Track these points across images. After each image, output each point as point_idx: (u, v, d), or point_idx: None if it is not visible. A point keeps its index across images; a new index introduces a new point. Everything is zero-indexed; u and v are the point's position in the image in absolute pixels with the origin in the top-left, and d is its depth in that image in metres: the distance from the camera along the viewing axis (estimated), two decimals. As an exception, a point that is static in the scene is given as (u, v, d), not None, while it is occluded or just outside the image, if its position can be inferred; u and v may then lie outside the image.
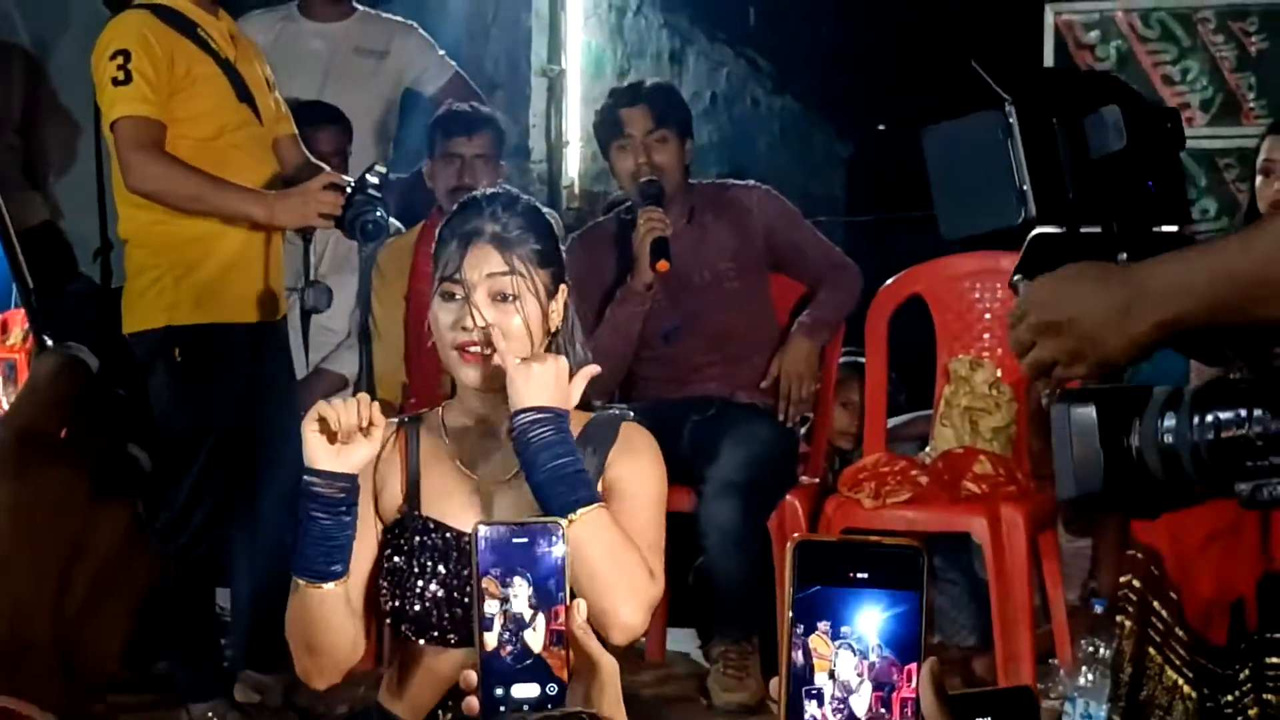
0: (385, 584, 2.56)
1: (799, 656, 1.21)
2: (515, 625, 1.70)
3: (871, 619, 1.22)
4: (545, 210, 2.71)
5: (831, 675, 1.21)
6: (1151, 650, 3.58)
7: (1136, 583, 3.60)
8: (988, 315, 4.45)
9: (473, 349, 2.54)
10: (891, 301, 4.53)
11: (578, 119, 6.12)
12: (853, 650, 1.21)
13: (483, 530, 1.72)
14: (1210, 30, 5.92)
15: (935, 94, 7.26)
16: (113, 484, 0.88)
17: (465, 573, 2.47)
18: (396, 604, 2.55)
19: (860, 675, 1.21)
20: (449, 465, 2.62)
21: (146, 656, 4.33)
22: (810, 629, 1.21)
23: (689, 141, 4.61)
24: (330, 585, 2.42)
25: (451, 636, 2.53)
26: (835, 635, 1.22)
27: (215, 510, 4.01)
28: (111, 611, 0.88)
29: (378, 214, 3.90)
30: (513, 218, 2.60)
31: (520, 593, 1.70)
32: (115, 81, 3.90)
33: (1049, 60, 6.25)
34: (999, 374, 4.34)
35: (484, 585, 1.70)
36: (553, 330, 2.62)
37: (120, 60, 3.90)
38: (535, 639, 1.71)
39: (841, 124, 8.10)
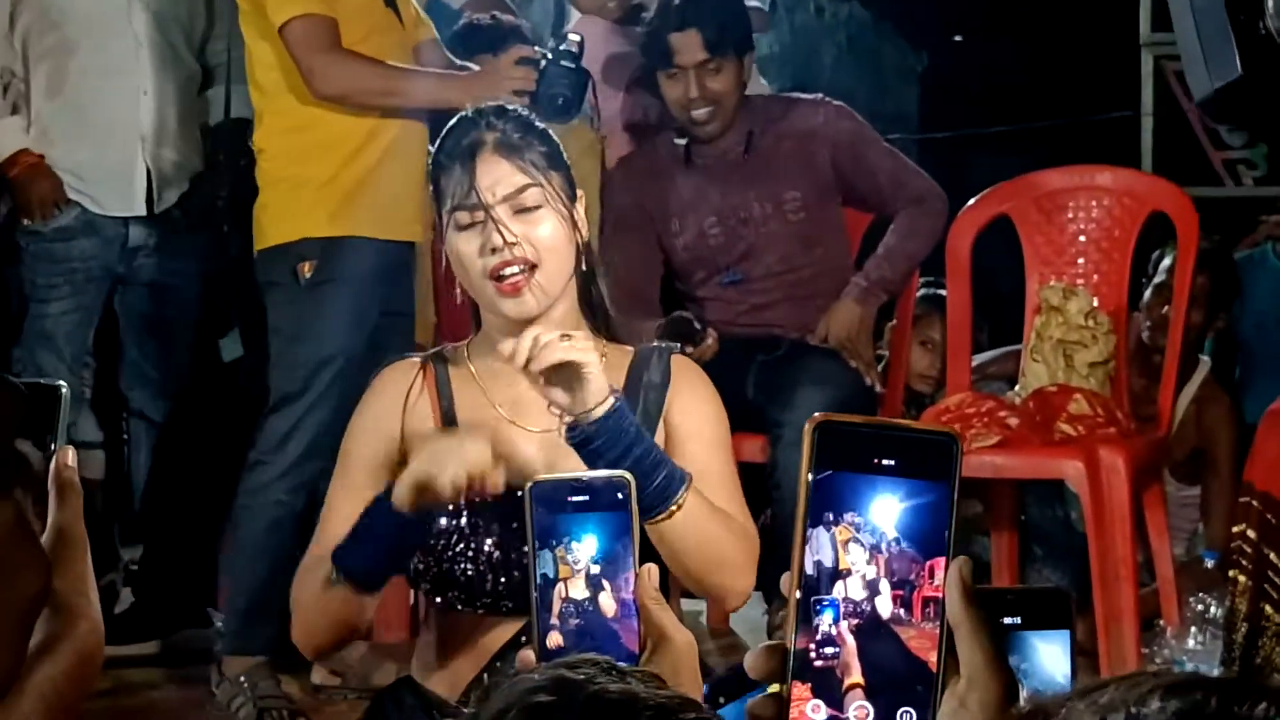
0: (432, 548, 2.32)
1: (810, 550, 1.14)
2: (578, 595, 1.52)
3: (890, 509, 1.14)
4: None
5: (843, 571, 1.14)
6: (1269, 608, 3.23)
7: (1251, 533, 3.34)
8: (1082, 238, 4.15)
9: (510, 273, 2.32)
10: (974, 225, 4.23)
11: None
12: (865, 544, 1.14)
13: (537, 488, 1.52)
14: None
15: (1014, 1, 6.97)
16: None
17: (521, 531, 2.22)
18: (440, 569, 2.32)
19: (877, 571, 1.14)
20: (490, 413, 2.38)
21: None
22: (820, 519, 1.14)
23: (749, 56, 4.27)
24: (365, 596, 2.27)
25: (506, 604, 2.31)
26: (852, 525, 1.14)
27: (312, 447, 3.80)
28: None
29: (569, 89, 3.78)
30: (509, 124, 2.39)
31: (582, 558, 1.52)
32: None
33: None
34: (1095, 303, 4.05)
35: (539, 550, 1.51)
36: (582, 241, 2.41)
37: None
38: (601, 610, 1.52)
39: (915, 33, 7.76)
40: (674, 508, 2.20)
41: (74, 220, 4.23)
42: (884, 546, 1.14)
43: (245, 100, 4.36)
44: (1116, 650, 3.73)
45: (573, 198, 2.41)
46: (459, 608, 2.34)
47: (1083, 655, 3.79)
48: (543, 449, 2.34)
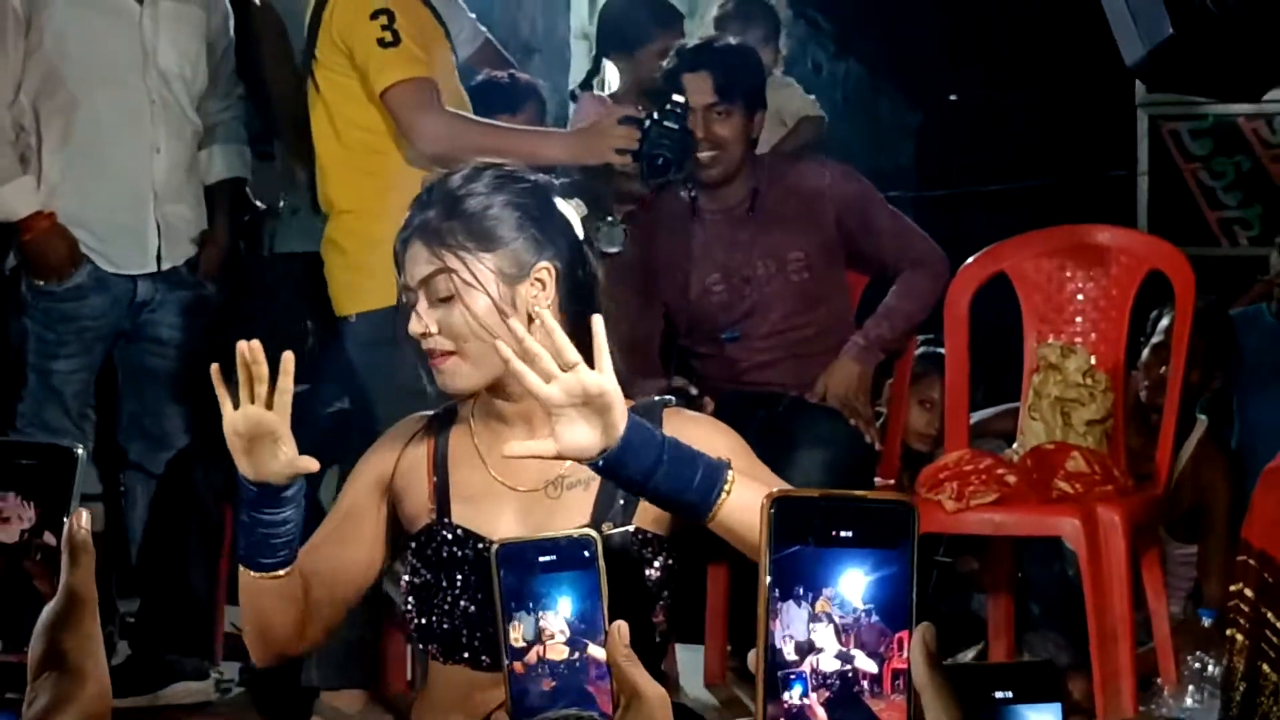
0: (411, 600, 2.35)
1: (776, 625, 1.14)
2: (551, 656, 1.52)
3: (855, 582, 1.15)
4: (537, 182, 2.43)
5: (811, 645, 1.15)
6: (1266, 667, 3.26)
7: (1249, 592, 3.32)
8: (1080, 296, 4.16)
9: (433, 356, 2.34)
10: (973, 282, 4.24)
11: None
12: (834, 617, 1.15)
13: (504, 550, 1.53)
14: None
15: (1009, 59, 7.00)
16: None
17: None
18: (423, 621, 2.34)
19: (844, 645, 1.15)
20: (480, 468, 2.39)
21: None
22: (788, 593, 1.15)
23: (760, 114, 4.29)
24: (255, 575, 2.29)
25: (484, 658, 2.30)
26: (815, 600, 1.15)
27: None
28: None
29: (670, 150, 3.80)
30: (439, 206, 2.34)
31: (553, 618, 1.52)
32: (383, 43, 3.78)
33: None
34: (1093, 361, 4.05)
35: (514, 612, 1.52)
36: (536, 314, 2.25)
37: (384, 20, 3.79)
38: (574, 669, 1.52)
39: (911, 91, 7.78)
40: (724, 495, 2.08)
41: (85, 278, 4.25)
42: (851, 619, 1.14)
43: (240, 159, 4.40)
44: (1114, 709, 3.72)
45: (520, 276, 2.33)
46: (442, 660, 2.35)
47: (1081, 715, 3.79)
48: (531, 510, 2.35)
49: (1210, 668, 3.70)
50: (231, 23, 4.54)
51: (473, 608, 2.30)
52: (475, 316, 2.30)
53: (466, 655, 2.32)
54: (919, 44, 7.23)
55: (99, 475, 4.48)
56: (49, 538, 1.28)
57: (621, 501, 2.33)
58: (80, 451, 1.32)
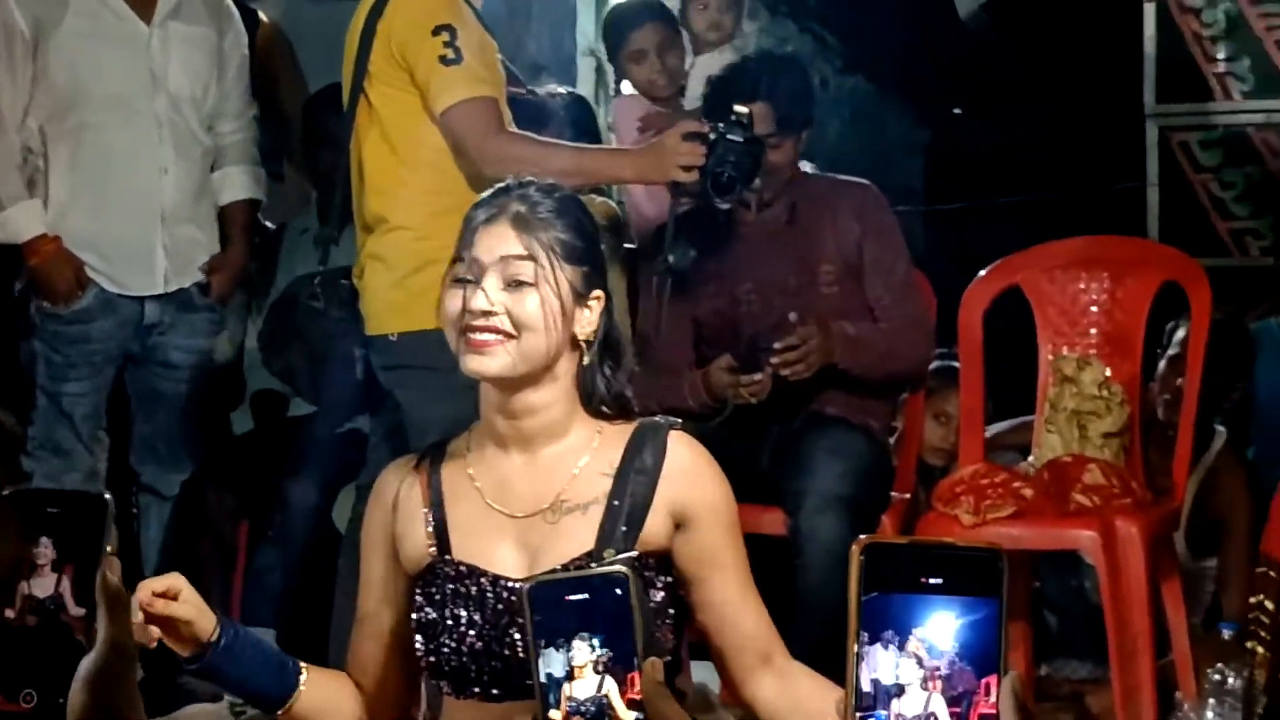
0: (419, 637, 2.34)
1: (865, 669, 1.17)
2: (582, 694, 1.49)
3: (945, 627, 1.17)
4: (591, 209, 2.52)
5: (900, 689, 1.16)
6: None
7: (1269, 604, 3.40)
8: (1094, 308, 4.14)
9: (480, 335, 2.31)
10: (987, 296, 4.22)
11: (628, 101, 5.78)
12: (922, 662, 1.16)
13: (536, 589, 1.50)
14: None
15: (1017, 72, 6.99)
16: None
17: (504, 621, 2.28)
18: (433, 659, 2.33)
19: (932, 689, 1.16)
20: (476, 498, 2.38)
21: None
22: (876, 638, 1.17)
23: (806, 131, 4.25)
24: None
25: (495, 690, 2.31)
26: (903, 645, 1.17)
27: None
28: None
29: (735, 167, 3.72)
30: (544, 200, 2.37)
31: (585, 656, 1.49)
32: (445, 61, 3.66)
33: (1150, 24, 5.94)
34: (1108, 373, 4.04)
35: (543, 650, 1.48)
36: (583, 339, 2.37)
37: (446, 37, 3.66)
38: (607, 707, 1.48)
39: (919, 107, 7.78)
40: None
41: (92, 301, 4.24)
42: (939, 663, 1.16)
43: (255, 181, 4.40)
44: (1135, 722, 3.72)
45: (583, 296, 2.38)
46: (455, 696, 2.35)
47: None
48: (528, 536, 2.35)
49: (1231, 680, 3.65)
50: (245, 42, 4.53)
51: (480, 643, 2.30)
52: (549, 312, 2.31)
53: (478, 690, 2.32)
54: (926, 58, 7.23)
55: (114, 501, 4.47)
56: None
57: (624, 528, 2.33)
58: (110, 499, 1.31)
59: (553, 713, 1.48)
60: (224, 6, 4.47)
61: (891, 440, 4.34)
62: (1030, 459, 4.12)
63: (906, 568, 1.18)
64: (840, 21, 7.33)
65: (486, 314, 2.30)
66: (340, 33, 3.84)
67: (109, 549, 1.29)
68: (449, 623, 2.31)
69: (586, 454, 2.38)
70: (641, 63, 4.55)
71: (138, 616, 2.13)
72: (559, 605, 1.49)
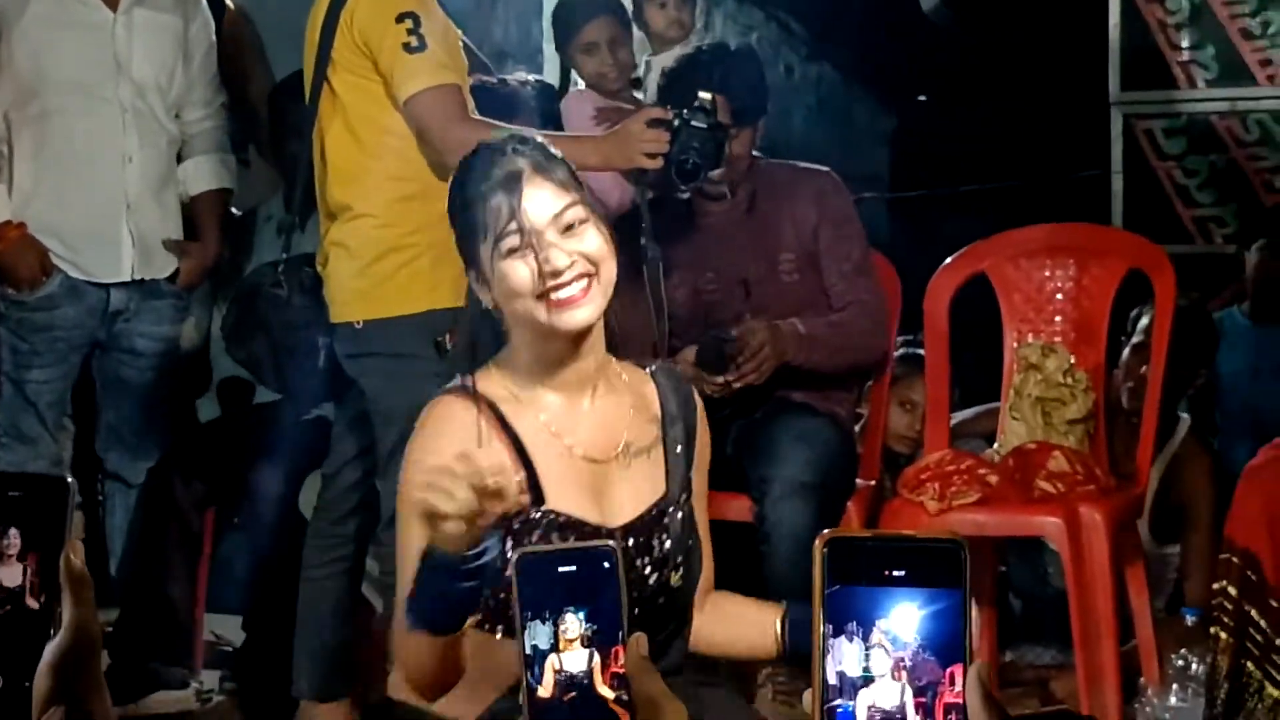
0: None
1: (831, 661, 1.18)
2: (569, 667, 1.48)
3: (908, 618, 1.17)
4: None
5: (867, 680, 1.17)
6: (1250, 665, 3.32)
7: (1232, 590, 3.34)
8: (1059, 295, 4.15)
9: (568, 290, 2.35)
10: (952, 282, 4.22)
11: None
12: (888, 652, 1.17)
13: (524, 560, 1.48)
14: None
15: (981, 61, 7.00)
16: None
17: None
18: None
19: (898, 680, 1.17)
20: (559, 448, 2.40)
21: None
22: (840, 630, 1.18)
23: (762, 120, 4.24)
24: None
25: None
26: (868, 637, 1.18)
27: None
28: None
29: (699, 154, 3.71)
30: (535, 149, 2.45)
31: (573, 629, 1.48)
32: (409, 48, 3.64)
33: (1115, 13, 5.95)
34: (1073, 360, 4.05)
35: (530, 621, 1.47)
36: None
37: (410, 24, 3.65)
38: (592, 681, 1.48)
39: (884, 94, 7.78)
40: None
41: (57, 288, 4.22)
42: (904, 654, 1.17)
43: (225, 169, 4.38)
44: (1098, 708, 3.72)
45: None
46: (483, 628, 2.33)
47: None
48: (607, 479, 2.41)
49: (1194, 666, 3.68)
50: (212, 29, 4.49)
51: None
52: (607, 237, 2.40)
53: (504, 624, 2.30)
54: (891, 46, 7.23)
55: (78, 485, 4.45)
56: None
57: (681, 471, 2.47)
58: (73, 482, 1.30)
59: (534, 682, 1.47)
60: None
61: (857, 428, 4.34)
62: (995, 446, 4.12)
63: (869, 561, 1.19)
64: (806, 9, 7.33)
65: (570, 267, 2.35)
66: (306, 20, 3.82)
67: (72, 532, 1.29)
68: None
69: (627, 395, 2.47)
70: (593, 55, 4.53)
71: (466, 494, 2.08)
72: (549, 576, 1.49)
